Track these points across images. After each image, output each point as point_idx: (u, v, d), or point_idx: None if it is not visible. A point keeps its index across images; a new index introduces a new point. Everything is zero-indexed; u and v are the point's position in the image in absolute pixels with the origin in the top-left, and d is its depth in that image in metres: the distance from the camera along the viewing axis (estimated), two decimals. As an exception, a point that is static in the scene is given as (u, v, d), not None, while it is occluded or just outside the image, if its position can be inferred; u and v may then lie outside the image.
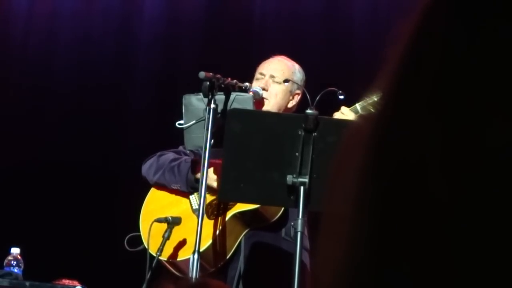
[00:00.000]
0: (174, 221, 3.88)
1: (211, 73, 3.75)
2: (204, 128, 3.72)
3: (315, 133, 3.41)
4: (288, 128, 3.43)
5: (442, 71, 0.58)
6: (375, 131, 0.60)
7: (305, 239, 3.68)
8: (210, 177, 3.79)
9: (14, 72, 6.28)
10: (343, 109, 3.80)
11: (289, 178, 3.37)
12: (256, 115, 3.67)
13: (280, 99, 4.15)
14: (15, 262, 3.96)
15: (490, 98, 0.57)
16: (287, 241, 3.86)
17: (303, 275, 3.37)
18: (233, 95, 3.81)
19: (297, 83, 4.17)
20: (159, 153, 4.18)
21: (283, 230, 3.94)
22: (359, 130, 0.63)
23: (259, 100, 4.06)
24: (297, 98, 4.20)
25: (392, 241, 0.57)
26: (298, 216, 3.38)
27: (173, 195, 4.10)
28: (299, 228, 3.37)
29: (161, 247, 3.85)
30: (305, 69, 4.27)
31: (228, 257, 3.95)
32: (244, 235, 3.97)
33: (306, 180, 3.35)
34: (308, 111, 3.45)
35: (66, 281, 4.51)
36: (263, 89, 4.11)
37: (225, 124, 3.53)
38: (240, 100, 3.82)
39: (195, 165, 3.99)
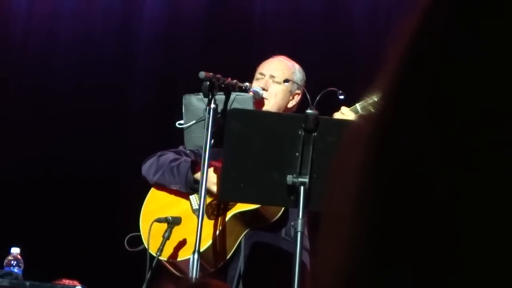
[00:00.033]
0: (174, 221, 3.88)
1: (211, 73, 3.75)
2: (204, 128, 3.72)
3: (315, 133, 3.41)
4: (288, 128, 3.43)
5: (442, 71, 0.58)
6: (375, 131, 0.60)
7: (305, 239, 3.68)
8: (210, 180, 3.77)
9: (14, 72, 6.28)
10: (343, 109, 3.80)
11: (289, 178, 3.37)
12: (256, 115, 3.67)
13: (280, 99, 4.15)
14: (15, 262, 3.96)
15: (490, 98, 0.57)
16: (287, 241, 3.86)
17: (303, 275, 3.37)
18: (233, 95, 3.81)
19: (297, 83, 4.17)
20: (159, 153, 4.18)
21: (283, 230, 3.94)
22: (359, 130, 0.63)
23: (259, 100, 4.06)
24: (297, 98, 4.20)
25: (392, 241, 0.57)
26: (298, 216, 3.38)
27: (173, 195, 4.10)
28: (299, 228, 3.37)
29: (161, 247, 3.85)
30: (305, 69, 4.27)
31: (228, 257, 3.94)
32: (244, 235, 3.97)
33: (306, 180, 3.35)
34: (308, 111, 3.45)
35: (66, 281, 4.51)
36: (263, 89, 4.11)
37: (225, 124, 3.53)
38: (240, 100, 3.82)
39: (195, 166, 3.99)
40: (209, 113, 3.72)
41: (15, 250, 4.00)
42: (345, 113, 3.77)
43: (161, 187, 4.13)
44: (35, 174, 5.96)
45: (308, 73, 4.28)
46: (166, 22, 6.27)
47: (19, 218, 5.81)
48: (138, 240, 3.99)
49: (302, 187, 3.35)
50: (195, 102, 3.85)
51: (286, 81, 4.10)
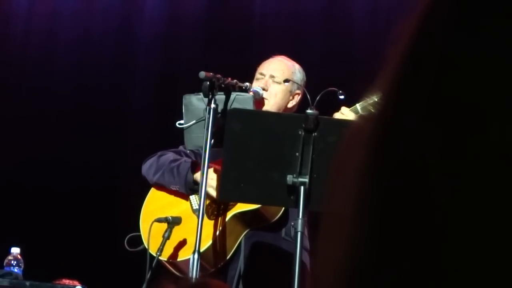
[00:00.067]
0: (174, 221, 3.88)
1: (211, 73, 3.75)
2: (204, 128, 3.72)
3: (315, 133, 3.41)
4: (288, 128, 3.43)
5: (442, 71, 0.58)
6: (375, 131, 0.60)
7: (305, 239, 3.68)
8: (208, 184, 3.76)
9: (14, 72, 6.28)
10: (343, 109, 3.80)
11: (289, 178, 3.36)
12: (256, 115, 3.67)
13: (280, 99, 4.15)
14: (15, 262, 3.96)
15: (491, 98, 0.57)
16: (287, 241, 3.86)
17: (303, 275, 3.37)
18: (233, 95, 3.81)
19: (297, 83, 4.17)
20: (159, 153, 4.18)
21: (283, 230, 3.94)
22: (359, 130, 0.63)
23: (259, 100, 4.06)
24: (297, 98, 4.20)
25: (392, 241, 0.57)
26: (298, 216, 3.38)
27: (173, 195, 4.10)
28: (299, 228, 3.37)
29: (161, 247, 3.85)
30: (305, 69, 4.27)
31: (228, 257, 3.94)
32: (244, 235, 3.97)
33: (306, 180, 3.35)
34: (308, 111, 3.45)
35: (66, 281, 4.51)
36: (263, 89, 4.11)
37: (225, 124, 3.53)
38: (240, 100, 3.82)
39: (195, 167, 3.99)
40: (209, 113, 3.72)
41: (15, 250, 4.00)
42: (345, 113, 3.77)
43: (161, 187, 4.13)
44: (35, 174, 5.96)
45: (308, 73, 4.28)
46: (166, 22, 6.27)
47: (19, 218, 5.81)
48: (138, 240, 3.99)
49: (302, 187, 3.35)
50: (195, 102, 3.85)
51: (286, 81, 4.10)
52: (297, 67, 4.24)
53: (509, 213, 0.55)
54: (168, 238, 3.85)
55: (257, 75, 4.20)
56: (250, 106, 3.80)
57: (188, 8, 6.23)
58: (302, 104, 4.03)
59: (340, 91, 3.74)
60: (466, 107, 0.57)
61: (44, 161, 5.98)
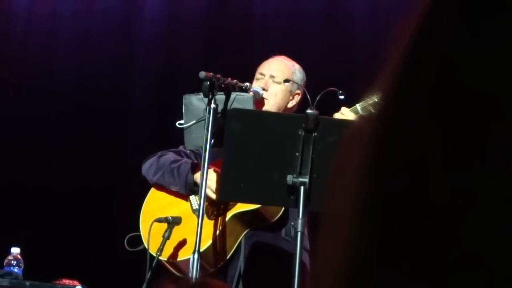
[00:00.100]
0: (174, 221, 3.88)
1: (211, 73, 3.75)
2: (204, 128, 3.72)
3: (315, 133, 3.41)
4: (288, 128, 3.43)
5: (442, 71, 0.58)
6: (375, 131, 0.60)
7: (305, 239, 3.68)
8: (208, 185, 3.76)
9: (14, 72, 6.28)
10: (343, 109, 3.80)
11: (289, 178, 3.36)
12: (256, 115, 3.67)
13: (280, 99, 4.14)
14: (15, 262, 3.96)
15: (491, 98, 0.57)
16: (287, 241, 3.86)
17: (303, 275, 3.37)
18: (233, 95, 3.81)
19: (297, 83, 4.16)
20: (159, 153, 4.18)
21: (283, 230, 3.94)
22: (360, 130, 0.63)
23: (259, 100, 4.06)
24: (297, 98, 4.20)
25: (393, 241, 0.57)
26: (298, 216, 3.38)
27: (173, 195, 4.10)
28: (299, 228, 3.37)
29: (161, 247, 3.85)
30: (305, 69, 4.27)
31: (228, 257, 3.94)
32: (244, 235, 3.97)
33: (306, 180, 3.35)
34: (309, 111, 3.45)
35: (66, 281, 4.51)
36: (263, 89, 4.11)
37: (225, 124, 3.53)
38: (240, 100, 3.82)
39: (195, 169, 3.99)
40: (209, 113, 3.72)
41: (15, 250, 4.00)
42: (345, 114, 3.77)
43: (161, 187, 4.13)
44: (35, 174, 5.96)
45: (308, 73, 4.28)
46: (166, 22, 6.27)
47: (19, 218, 5.81)
48: (138, 240, 3.99)
49: (302, 187, 3.35)
50: (195, 102, 3.85)
51: (286, 81, 4.10)
52: (297, 67, 4.24)
53: (509, 214, 0.55)
54: (168, 238, 3.85)
55: (257, 75, 4.19)
56: (250, 106, 3.80)
57: (188, 8, 6.23)
58: (302, 104, 4.03)
59: (340, 91, 3.74)
60: (466, 107, 0.57)
61: (44, 161, 5.98)
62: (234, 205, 3.94)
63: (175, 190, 4.05)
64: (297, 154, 3.39)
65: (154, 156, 4.17)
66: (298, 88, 4.19)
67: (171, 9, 6.29)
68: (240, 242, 3.96)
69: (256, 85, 4.12)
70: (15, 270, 3.93)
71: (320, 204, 3.26)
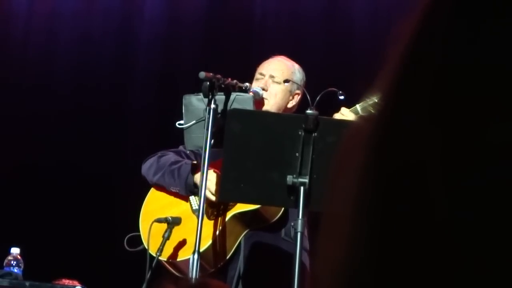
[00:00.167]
0: (174, 221, 3.88)
1: (211, 73, 3.75)
2: (204, 128, 3.72)
3: (315, 133, 3.41)
4: (288, 128, 3.43)
5: (442, 71, 0.58)
6: (375, 132, 0.60)
7: (305, 240, 3.68)
8: (207, 186, 3.76)
9: (14, 72, 6.28)
10: (343, 110, 3.80)
11: (289, 178, 3.36)
12: (256, 115, 3.67)
13: (280, 99, 4.14)
14: (15, 262, 3.95)
15: (491, 99, 0.57)
16: (287, 242, 3.86)
17: (303, 275, 3.37)
18: (233, 95, 3.81)
19: (297, 83, 4.16)
20: (159, 153, 4.18)
21: (283, 230, 3.94)
22: (359, 130, 0.63)
23: (259, 100, 4.06)
24: (297, 98, 4.20)
25: (392, 241, 0.57)
26: (298, 216, 3.38)
27: (173, 195, 4.10)
28: (299, 229, 3.37)
29: (161, 247, 3.85)
30: (305, 69, 4.27)
31: (228, 257, 3.94)
32: (244, 235, 3.97)
33: (306, 180, 3.35)
34: (308, 111, 3.45)
35: (66, 281, 4.52)
36: (263, 89, 4.11)
37: (225, 124, 3.53)
38: (240, 100, 3.82)
39: (195, 170, 3.99)
40: (209, 113, 3.72)
41: (15, 250, 4.00)
42: (345, 114, 3.77)
43: (161, 187, 4.13)
44: (35, 174, 5.96)
45: (308, 73, 4.28)
46: (166, 22, 6.27)
47: (19, 218, 5.81)
48: (138, 240, 3.99)
49: (302, 188, 3.35)
50: (195, 102, 3.85)
51: (286, 81, 4.10)
52: (296, 67, 4.24)
53: (510, 214, 0.55)
54: (168, 238, 3.85)
55: (257, 75, 4.19)
56: (250, 106, 3.80)
57: (188, 8, 6.23)
58: (302, 104, 4.03)
59: (340, 92, 3.74)
60: (467, 107, 0.57)
61: (44, 161, 5.98)
62: (234, 206, 3.94)
63: (175, 191, 4.05)
64: (297, 154, 3.39)
65: (154, 156, 4.17)
66: (298, 88, 4.19)
67: (171, 9, 6.29)
68: (240, 242, 3.96)
69: (256, 85, 4.12)
70: (15, 270, 3.93)
71: (320, 205, 3.26)
